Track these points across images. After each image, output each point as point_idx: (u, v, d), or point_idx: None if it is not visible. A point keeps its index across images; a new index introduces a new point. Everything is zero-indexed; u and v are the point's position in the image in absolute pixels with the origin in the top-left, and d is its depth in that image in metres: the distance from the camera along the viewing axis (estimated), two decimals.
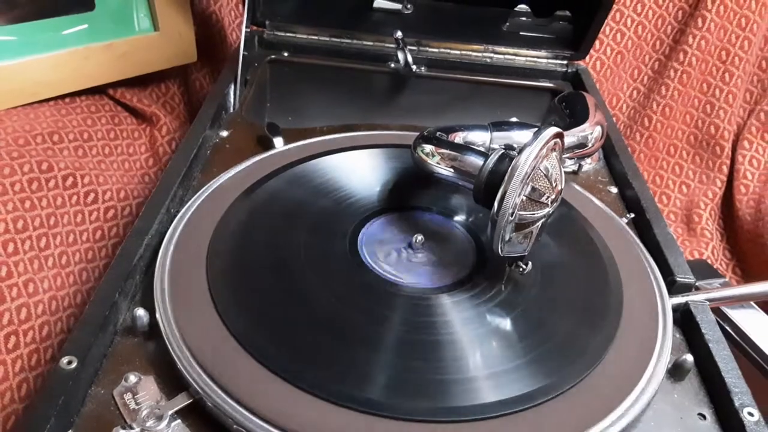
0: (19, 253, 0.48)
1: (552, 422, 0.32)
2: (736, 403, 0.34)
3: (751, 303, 0.58)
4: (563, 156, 0.47)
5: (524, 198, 0.33)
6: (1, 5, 0.56)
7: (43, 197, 0.52)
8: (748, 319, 0.55)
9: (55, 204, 0.53)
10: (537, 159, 0.33)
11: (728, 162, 0.74)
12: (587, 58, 0.74)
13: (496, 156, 0.36)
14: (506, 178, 0.33)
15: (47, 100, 0.61)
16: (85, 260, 0.55)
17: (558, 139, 0.35)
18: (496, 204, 0.34)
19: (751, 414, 0.34)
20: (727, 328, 0.55)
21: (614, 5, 0.74)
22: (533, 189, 0.33)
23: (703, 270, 0.60)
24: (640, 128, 0.77)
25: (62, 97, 0.62)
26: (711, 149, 0.74)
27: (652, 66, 0.77)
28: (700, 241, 0.70)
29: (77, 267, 0.54)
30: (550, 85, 0.66)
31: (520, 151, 0.34)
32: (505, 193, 0.33)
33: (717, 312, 0.56)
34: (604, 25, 0.74)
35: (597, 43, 0.76)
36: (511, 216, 0.33)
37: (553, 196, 0.34)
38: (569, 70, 0.67)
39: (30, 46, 0.59)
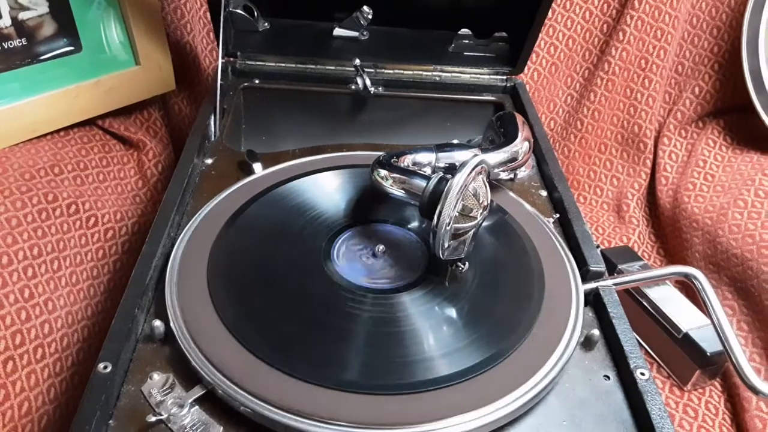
0: (37, 276, 0.56)
1: (490, 386, 0.40)
2: (632, 365, 0.43)
3: (666, 281, 0.69)
4: (498, 170, 0.57)
5: (457, 214, 0.42)
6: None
7: (51, 225, 0.60)
8: (662, 296, 0.66)
9: (63, 230, 0.61)
10: (466, 182, 0.42)
11: (651, 157, 0.84)
12: (526, 69, 0.84)
13: (436, 179, 0.45)
14: (442, 198, 0.42)
15: (44, 135, 0.68)
16: (91, 277, 0.62)
17: (483, 165, 0.44)
18: (435, 218, 0.43)
19: (642, 374, 0.42)
20: (644, 303, 0.66)
21: (547, 21, 0.83)
22: (464, 206, 0.42)
23: (626, 255, 0.70)
24: (574, 130, 0.87)
25: (58, 131, 0.69)
26: (636, 146, 0.84)
27: (582, 74, 0.87)
28: (628, 228, 0.81)
29: (85, 284, 0.61)
30: (492, 98, 0.75)
31: (453, 177, 0.43)
32: (441, 210, 0.42)
33: (637, 291, 0.67)
34: (538, 41, 0.83)
35: (533, 55, 0.85)
36: (448, 227, 0.42)
37: (481, 210, 0.44)
38: (508, 84, 0.76)
39: (27, 89, 0.65)
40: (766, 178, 0.72)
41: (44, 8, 0.65)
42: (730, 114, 0.85)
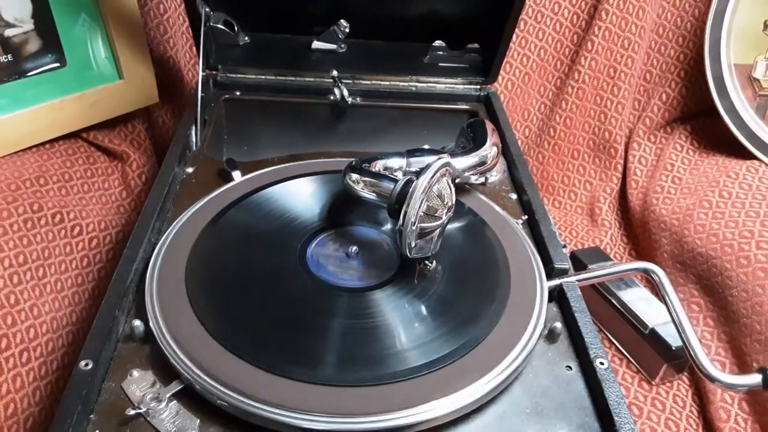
0: (23, 283, 0.58)
1: (457, 376, 0.42)
2: (592, 355, 0.45)
3: (634, 280, 0.71)
4: (469, 174, 0.59)
5: (422, 214, 0.44)
6: None
7: (37, 234, 0.62)
8: (631, 294, 0.68)
9: (48, 239, 0.63)
10: (430, 184, 0.44)
11: (622, 162, 0.87)
12: (500, 79, 0.87)
13: (403, 182, 0.47)
14: (407, 199, 0.44)
15: (30, 148, 0.70)
16: (76, 285, 0.64)
17: (447, 167, 0.46)
18: (401, 219, 0.45)
19: (602, 363, 0.44)
20: (614, 302, 0.68)
21: (519, 33, 0.87)
22: (428, 207, 0.45)
23: (596, 255, 0.72)
24: (548, 137, 0.90)
25: (43, 143, 0.71)
26: (607, 152, 0.87)
27: (554, 83, 0.90)
28: (601, 230, 0.83)
29: (70, 291, 0.63)
30: (467, 107, 0.78)
31: (417, 178, 0.45)
32: (406, 210, 0.44)
33: (607, 290, 0.69)
34: (510, 52, 0.86)
35: (507, 66, 0.88)
36: (413, 227, 0.45)
37: (445, 211, 0.46)
38: (482, 94, 0.79)
39: (13, 104, 0.67)
40: (730, 179, 0.75)
41: (29, 25, 0.67)
42: (696, 119, 0.88)
